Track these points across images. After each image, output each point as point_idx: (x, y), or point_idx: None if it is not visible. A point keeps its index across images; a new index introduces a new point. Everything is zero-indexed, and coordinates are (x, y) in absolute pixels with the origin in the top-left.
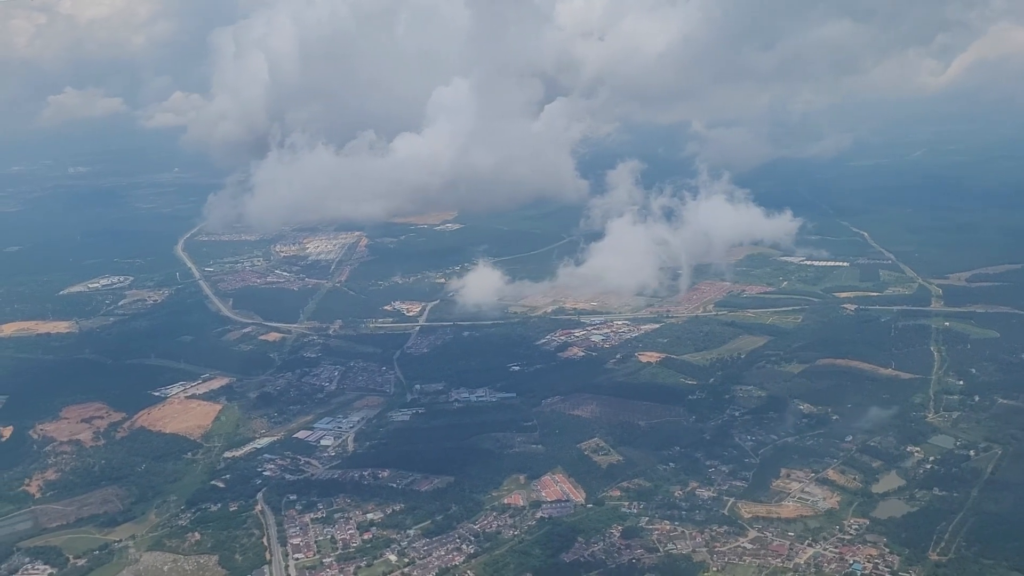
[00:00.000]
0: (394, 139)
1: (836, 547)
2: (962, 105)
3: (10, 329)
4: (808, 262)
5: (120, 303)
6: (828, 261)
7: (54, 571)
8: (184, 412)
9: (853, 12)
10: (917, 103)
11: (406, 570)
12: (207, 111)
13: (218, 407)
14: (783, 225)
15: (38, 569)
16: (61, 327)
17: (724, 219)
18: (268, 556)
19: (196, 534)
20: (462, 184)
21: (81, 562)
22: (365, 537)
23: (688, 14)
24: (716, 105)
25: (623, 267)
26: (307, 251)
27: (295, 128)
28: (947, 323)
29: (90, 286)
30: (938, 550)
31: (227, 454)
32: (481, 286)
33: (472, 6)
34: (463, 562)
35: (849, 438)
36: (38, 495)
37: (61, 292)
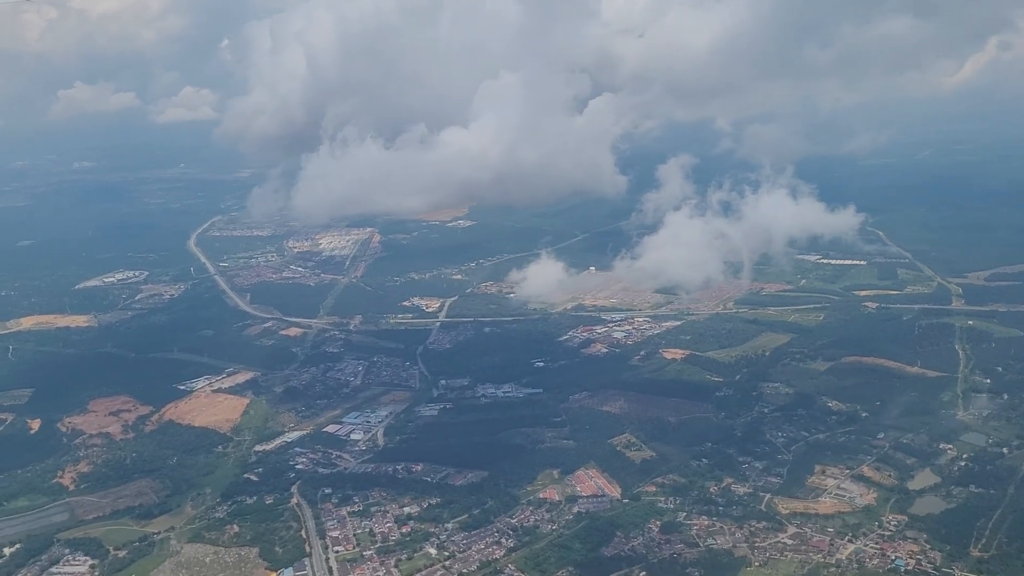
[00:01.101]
0: (438, 133)
1: (877, 543)
2: (971, 105)
3: (29, 323)
4: (825, 260)
5: (137, 297)
6: (845, 260)
7: (95, 562)
8: (211, 406)
9: (916, 8)
10: (927, 103)
11: (447, 563)
12: (243, 105)
13: (245, 401)
14: (845, 220)
15: (79, 560)
16: (79, 321)
17: (784, 214)
18: (308, 548)
19: (234, 526)
20: (509, 179)
21: (122, 553)
22: (403, 530)
23: (736, 9)
24: (754, 101)
25: (685, 260)
26: (320, 247)
27: (335, 122)
28: (970, 322)
29: (105, 280)
30: (979, 546)
31: (258, 448)
32: (543, 277)
33: (523, 1)
34: (503, 556)
35: (881, 435)
36: (72, 487)
37: (77, 286)
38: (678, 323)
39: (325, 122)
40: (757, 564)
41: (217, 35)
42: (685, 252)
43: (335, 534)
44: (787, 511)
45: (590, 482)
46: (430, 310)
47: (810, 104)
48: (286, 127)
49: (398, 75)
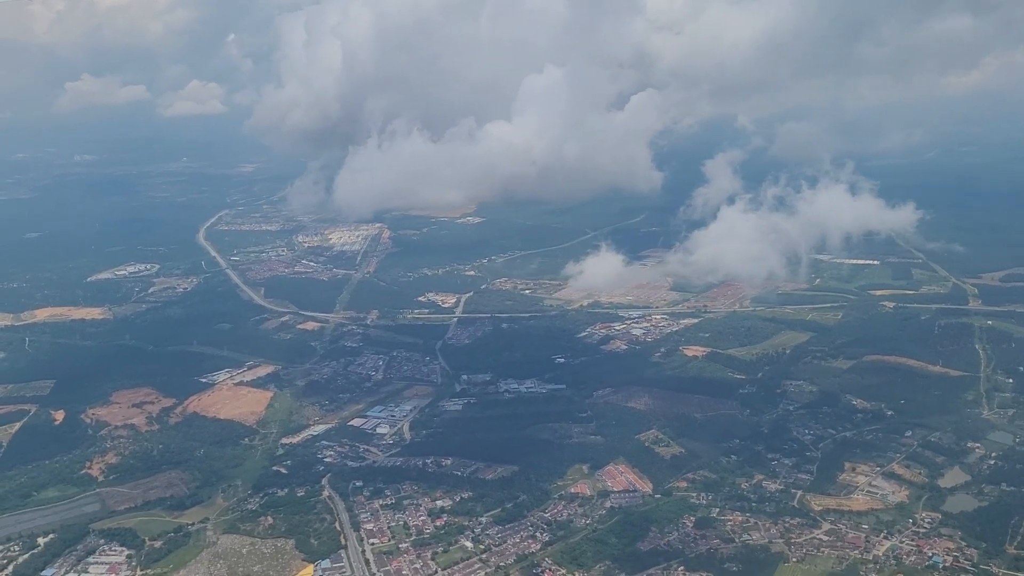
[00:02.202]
0: (480, 127)
1: (912, 540)
2: (978, 107)
3: (43, 314)
4: (839, 260)
5: (150, 290)
6: (859, 259)
7: (131, 552)
8: (235, 399)
9: (975, 7)
10: (935, 104)
11: (483, 556)
12: (277, 98)
13: (269, 394)
14: (905, 216)
15: (115, 550)
16: (94, 313)
17: (840, 209)
18: (343, 541)
19: (268, 518)
20: (550, 174)
21: (157, 544)
22: (437, 524)
23: (782, 6)
24: (786, 99)
25: (742, 254)
26: (331, 242)
27: (381, 116)
28: (989, 322)
29: (117, 273)
30: (1015, 544)
31: (284, 440)
32: (602, 269)
33: None
34: (539, 550)
35: (909, 433)
36: (101, 478)
37: (89, 279)
38: (695, 321)
39: (373, 116)
40: (795, 560)
41: (224, 29)
42: (742, 246)
43: (369, 526)
44: (820, 508)
45: (621, 477)
46: (446, 306)
47: (836, 103)
48: (321, 121)
49: (438, 69)
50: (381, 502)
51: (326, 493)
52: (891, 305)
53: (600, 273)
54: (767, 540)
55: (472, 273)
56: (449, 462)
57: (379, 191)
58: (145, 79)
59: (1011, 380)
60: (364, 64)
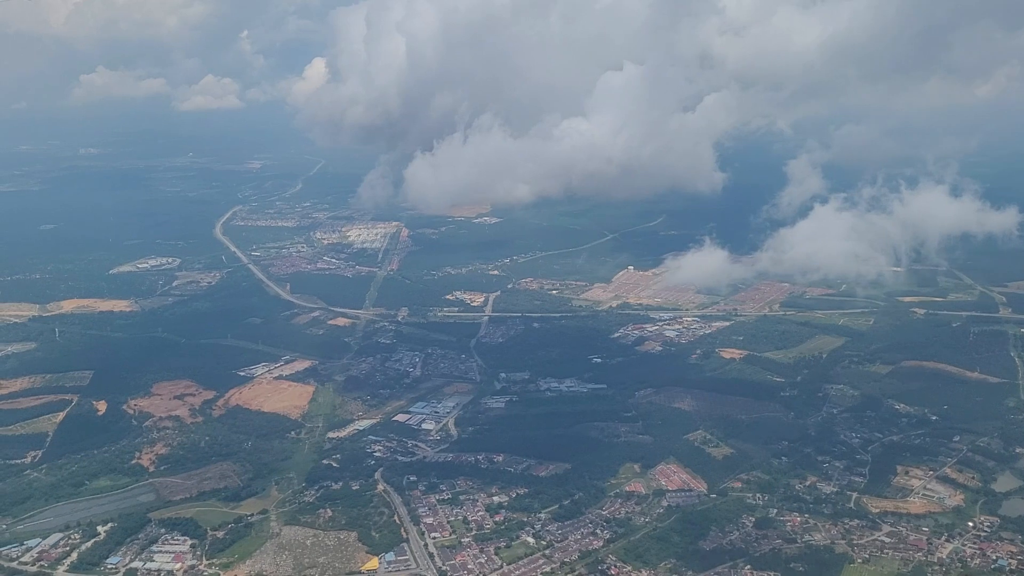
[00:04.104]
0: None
1: (974, 543)
2: (991, 117)
3: (69, 306)
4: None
5: (174, 284)
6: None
7: (195, 542)
8: (276, 392)
9: None
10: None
11: (546, 552)
12: (337, 94)
13: (311, 388)
14: (1008, 219)
15: (178, 539)
16: (120, 305)
17: (940, 210)
18: (404, 534)
19: (327, 510)
20: (628, 172)
21: (220, 534)
22: (497, 519)
23: (857, 10)
24: (836, 103)
25: (839, 253)
26: (349, 239)
27: (459, 112)
28: (1023, 330)
29: (139, 266)
30: None
31: (331, 435)
32: (706, 264)
33: None
34: (602, 547)
35: (956, 438)
36: (151, 468)
37: (111, 271)
38: (727, 323)
39: (459, 112)
40: (860, 561)
41: (238, 25)
42: (838, 244)
43: (429, 521)
44: (878, 510)
45: (674, 477)
46: (474, 304)
47: (885, 107)
48: (382, 118)
49: (507, 67)
50: (437, 497)
51: (381, 487)
52: (922, 312)
53: (700, 267)
54: (829, 541)
55: (496, 272)
56: (501, 459)
57: (455, 186)
58: (160, 73)
59: None
60: (429, 61)
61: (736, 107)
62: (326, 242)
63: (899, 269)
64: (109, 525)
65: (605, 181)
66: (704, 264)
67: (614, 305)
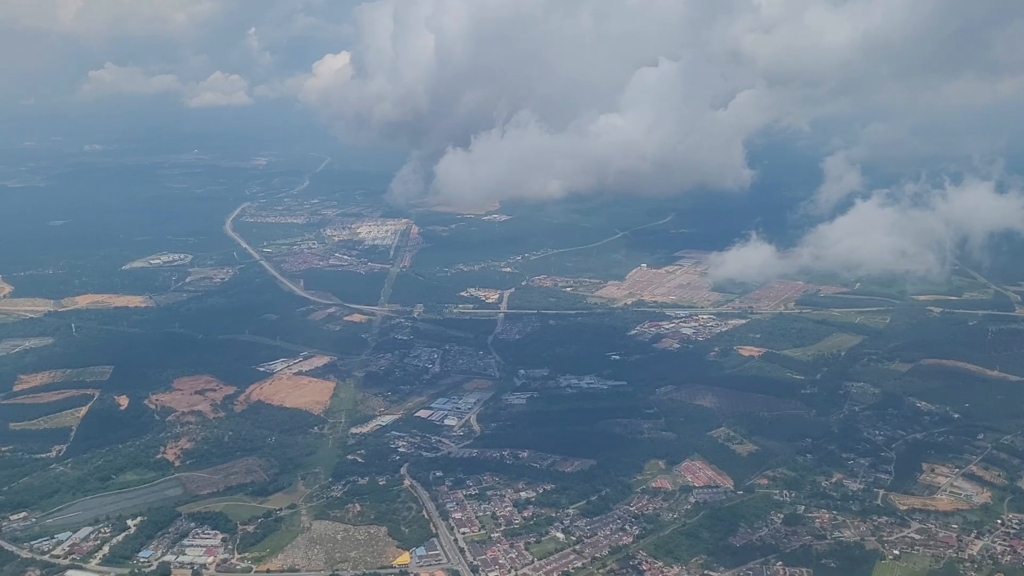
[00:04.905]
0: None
1: (1004, 540)
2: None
3: (84, 301)
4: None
5: (187, 280)
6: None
7: (226, 536)
8: (296, 388)
9: None
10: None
11: (576, 548)
12: (363, 90)
13: (332, 384)
14: None
15: (209, 533)
16: (135, 301)
17: (985, 206)
18: (433, 529)
19: (356, 505)
20: (661, 169)
21: (250, 528)
22: (525, 514)
23: (890, 6)
24: (858, 101)
25: (882, 249)
26: (359, 236)
27: (497, 108)
28: None
29: (151, 262)
30: None
31: (354, 430)
32: (750, 258)
33: None
34: (632, 542)
35: (981, 436)
36: (177, 463)
37: (124, 267)
38: (743, 321)
39: (498, 108)
40: (891, 558)
41: (245, 22)
42: (881, 241)
43: (457, 516)
44: (906, 507)
45: (700, 473)
46: (489, 301)
47: (910, 106)
48: (410, 114)
49: (538, 63)
50: (464, 492)
51: (407, 482)
52: (937, 310)
53: (746, 260)
54: (859, 537)
55: (508, 270)
56: (526, 455)
57: (491, 181)
58: (170, 69)
59: None
60: (459, 57)
61: (769, 105)
62: (336, 239)
63: (940, 267)
64: (139, 519)
65: (636, 178)
66: (749, 259)
67: (629, 303)
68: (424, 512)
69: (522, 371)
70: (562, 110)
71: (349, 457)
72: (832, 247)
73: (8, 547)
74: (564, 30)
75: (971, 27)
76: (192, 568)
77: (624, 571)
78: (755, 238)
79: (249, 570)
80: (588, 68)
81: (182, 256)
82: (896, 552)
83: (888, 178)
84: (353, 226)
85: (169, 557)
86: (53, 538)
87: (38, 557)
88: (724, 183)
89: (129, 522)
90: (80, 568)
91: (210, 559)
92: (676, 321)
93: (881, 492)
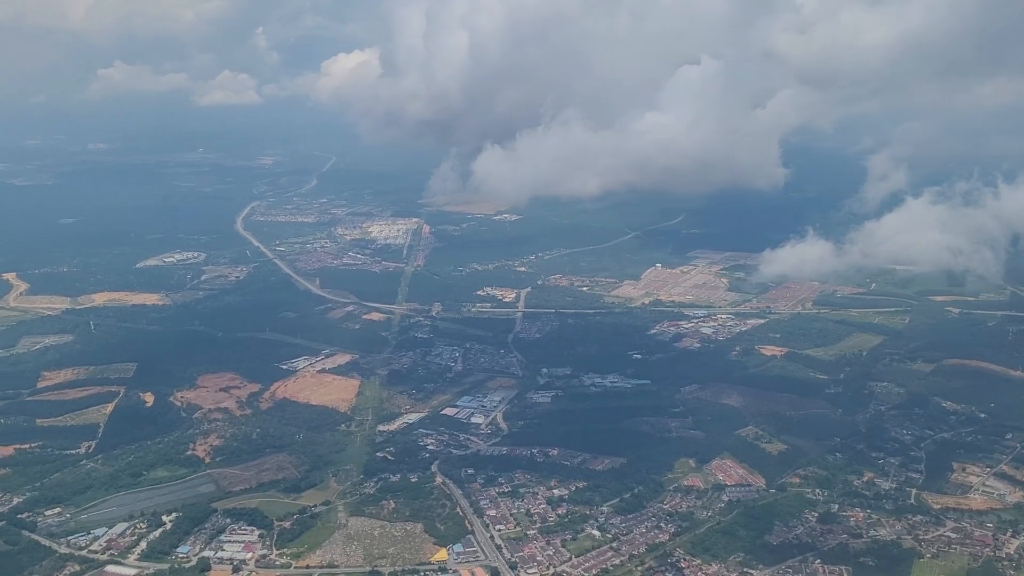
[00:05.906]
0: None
1: None
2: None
3: (101, 299)
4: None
5: (203, 278)
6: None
7: (262, 532)
8: (321, 385)
9: None
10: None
11: (613, 545)
12: (395, 89)
13: (356, 382)
14: None
15: (246, 530)
16: (152, 299)
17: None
18: (469, 526)
19: (390, 502)
20: (707, 167)
21: (286, 525)
22: (559, 512)
23: (929, 6)
24: (887, 101)
25: (933, 245)
26: (371, 235)
27: (544, 106)
28: None
29: (165, 260)
30: None
31: (381, 427)
32: (807, 254)
33: None
34: (668, 540)
35: (1009, 436)
36: (207, 460)
37: (138, 265)
38: (762, 321)
39: (544, 106)
40: (928, 556)
41: (253, 20)
42: (934, 238)
43: (492, 513)
44: (939, 506)
45: (731, 472)
46: (506, 300)
47: (938, 105)
48: (443, 112)
49: (575, 62)
50: (497, 490)
51: (439, 480)
52: (956, 311)
53: (801, 256)
54: (895, 536)
55: (523, 269)
56: (556, 452)
57: (533, 179)
58: (180, 68)
59: None
60: (494, 56)
61: (806, 104)
62: (348, 238)
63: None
64: (174, 515)
65: (672, 175)
66: (806, 255)
67: (646, 302)
68: (458, 509)
69: (545, 369)
70: (601, 108)
71: (379, 454)
72: (882, 245)
73: (45, 542)
74: (601, 29)
75: (1013, 28)
76: (232, 564)
77: (663, 568)
78: (811, 234)
79: (288, 566)
80: (625, 67)
81: (195, 254)
82: (933, 551)
83: (927, 177)
84: (364, 225)
85: (207, 553)
86: (89, 533)
87: (76, 552)
88: (756, 182)
89: (164, 518)
90: (119, 563)
91: (248, 555)
92: (695, 321)
93: (913, 491)
